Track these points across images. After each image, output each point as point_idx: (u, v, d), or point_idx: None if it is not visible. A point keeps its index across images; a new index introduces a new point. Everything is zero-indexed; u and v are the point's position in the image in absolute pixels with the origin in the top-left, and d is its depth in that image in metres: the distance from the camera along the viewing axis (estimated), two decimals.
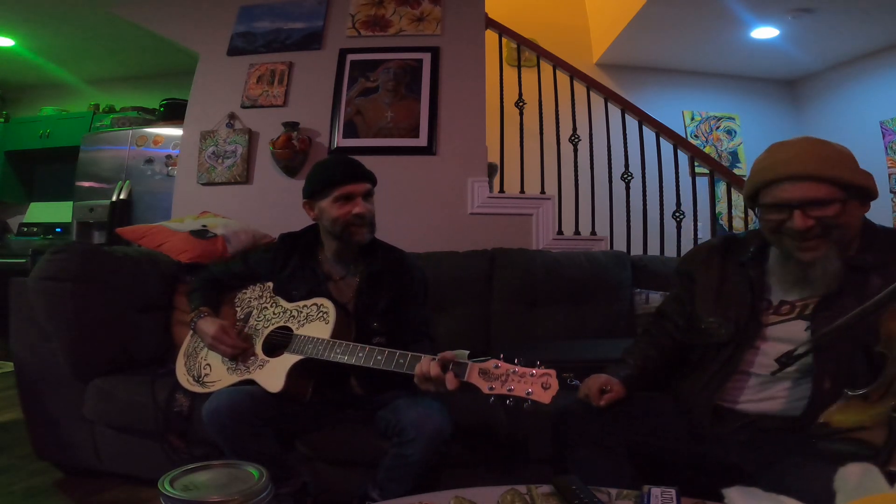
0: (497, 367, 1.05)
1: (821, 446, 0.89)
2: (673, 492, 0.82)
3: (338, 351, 1.28)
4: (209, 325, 1.45)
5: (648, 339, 1.33)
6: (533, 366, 1.03)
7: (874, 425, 0.85)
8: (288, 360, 1.34)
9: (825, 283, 1.05)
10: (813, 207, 1.00)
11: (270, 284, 1.55)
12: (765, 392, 1.10)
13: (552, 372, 1.01)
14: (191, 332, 1.55)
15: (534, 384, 1.01)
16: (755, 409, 1.10)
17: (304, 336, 1.35)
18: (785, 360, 1.03)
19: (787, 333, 1.09)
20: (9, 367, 2.47)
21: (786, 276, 1.11)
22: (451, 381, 1.08)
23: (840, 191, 1.00)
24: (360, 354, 1.25)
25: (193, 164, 2.91)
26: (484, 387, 1.05)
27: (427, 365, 1.12)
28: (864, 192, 1.03)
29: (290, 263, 1.54)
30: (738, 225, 3.57)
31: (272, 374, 1.34)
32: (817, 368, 1.03)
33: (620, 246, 2.74)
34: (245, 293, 1.60)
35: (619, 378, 1.21)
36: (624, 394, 1.19)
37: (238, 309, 1.57)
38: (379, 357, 1.22)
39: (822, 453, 0.87)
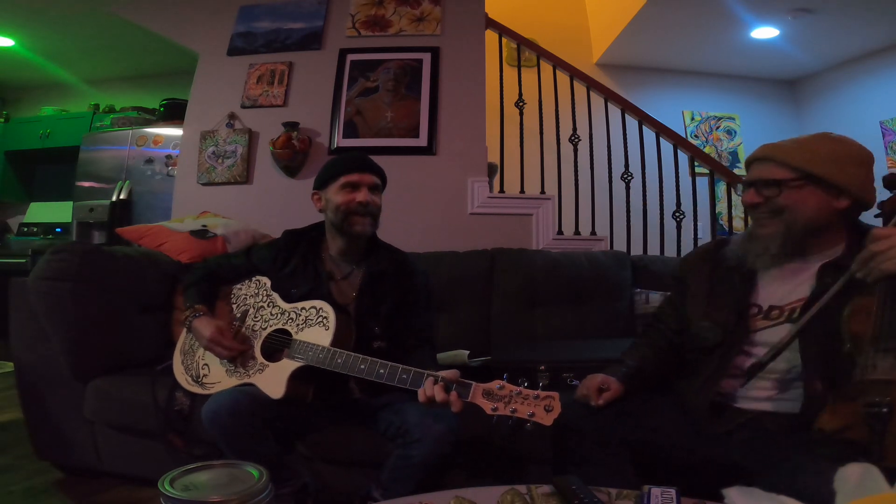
0: (501, 387, 1.06)
1: (818, 451, 0.90)
2: (673, 492, 0.82)
3: (339, 361, 1.27)
4: (205, 327, 1.43)
5: (645, 341, 1.35)
6: (537, 387, 1.05)
7: (856, 423, 0.86)
8: (288, 366, 1.33)
9: (763, 263, 1.13)
10: (763, 187, 1.11)
11: (267, 282, 1.53)
12: (760, 392, 1.11)
13: (555, 395, 1.02)
14: (185, 329, 1.53)
15: (537, 406, 1.02)
16: (754, 407, 1.11)
17: (304, 342, 1.34)
18: (754, 371, 1.07)
19: (775, 338, 1.10)
20: (9, 367, 2.47)
21: (750, 254, 1.17)
22: (455, 404, 1.09)
23: (792, 173, 1.08)
24: (362, 367, 1.24)
25: (193, 164, 2.91)
26: (487, 407, 1.06)
27: (431, 389, 1.12)
28: (832, 185, 1.06)
29: (292, 260, 1.53)
30: (739, 225, 3.57)
31: (272, 380, 1.33)
32: (805, 370, 1.04)
33: (620, 246, 2.74)
34: (240, 289, 1.57)
35: (616, 377, 1.22)
36: (622, 392, 1.19)
37: (234, 306, 1.55)
38: (381, 371, 1.22)
39: (819, 456, 0.88)
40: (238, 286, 1.58)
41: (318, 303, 1.39)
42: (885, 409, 0.82)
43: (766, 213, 1.11)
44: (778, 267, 1.14)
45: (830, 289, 1.01)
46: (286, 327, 1.41)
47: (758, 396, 1.11)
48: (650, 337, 1.35)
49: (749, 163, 1.17)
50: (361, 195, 1.44)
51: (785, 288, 1.13)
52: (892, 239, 0.91)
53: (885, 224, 1.03)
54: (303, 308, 1.41)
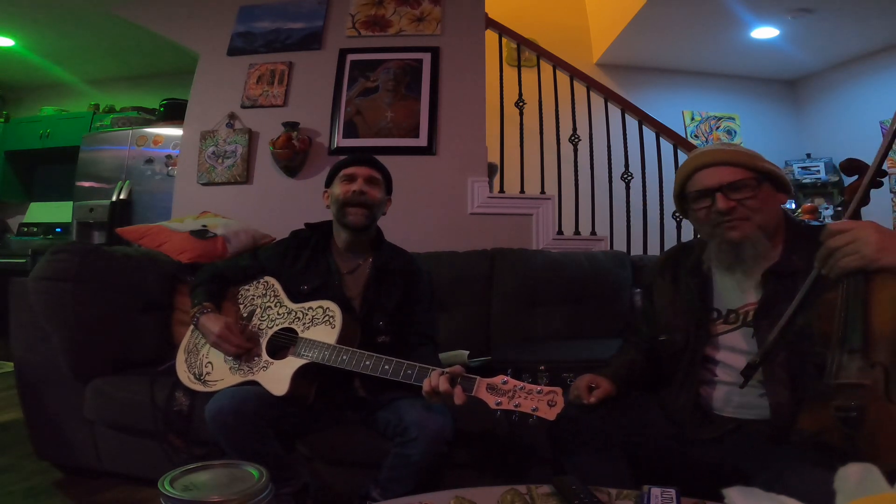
0: (505, 382, 1.08)
1: (803, 454, 0.88)
2: (673, 492, 0.82)
3: (344, 357, 1.28)
4: (213, 323, 1.43)
5: (631, 343, 1.35)
6: (540, 383, 1.06)
7: (831, 427, 0.84)
8: (293, 363, 1.34)
9: (758, 263, 1.10)
10: (731, 190, 1.09)
11: (274, 283, 1.55)
12: (735, 400, 1.11)
13: (558, 390, 1.04)
14: (191, 327, 1.54)
15: (540, 401, 1.04)
16: (737, 415, 1.10)
17: (310, 340, 1.35)
18: (749, 372, 1.06)
19: (734, 342, 1.12)
20: (9, 367, 2.47)
21: (721, 262, 1.15)
22: (459, 396, 1.10)
23: (751, 173, 1.09)
24: (367, 363, 1.25)
25: (193, 164, 2.91)
26: (491, 402, 1.07)
27: (436, 380, 1.13)
28: (774, 178, 1.11)
29: (302, 257, 1.56)
30: None
31: (277, 377, 1.34)
32: (766, 377, 1.05)
33: (620, 246, 2.74)
34: (248, 290, 1.58)
35: (605, 376, 1.22)
36: (613, 390, 1.19)
37: (241, 306, 1.56)
38: (386, 367, 1.23)
39: (803, 458, 0.87)
40: (245, 287, 1.60)
41: (325, 303, 1.41)
42: (854, 414, 0.81)
43: (738, 218, 1.09)
44: (730, 272, 1.14)
45: (788, 290, 1.00)
46: (293, 326, 1.42)
47: (736, 404, 1.11)
48: (634, 340, 1.35)
49: (691, 173, 1.14)
50: (356, 185, 1.51)
51: (737, 292, 1.14)
52: (847, 234, 0.87)
53: (844, 211, 1.00)
54: (310, 308, 1.42)
